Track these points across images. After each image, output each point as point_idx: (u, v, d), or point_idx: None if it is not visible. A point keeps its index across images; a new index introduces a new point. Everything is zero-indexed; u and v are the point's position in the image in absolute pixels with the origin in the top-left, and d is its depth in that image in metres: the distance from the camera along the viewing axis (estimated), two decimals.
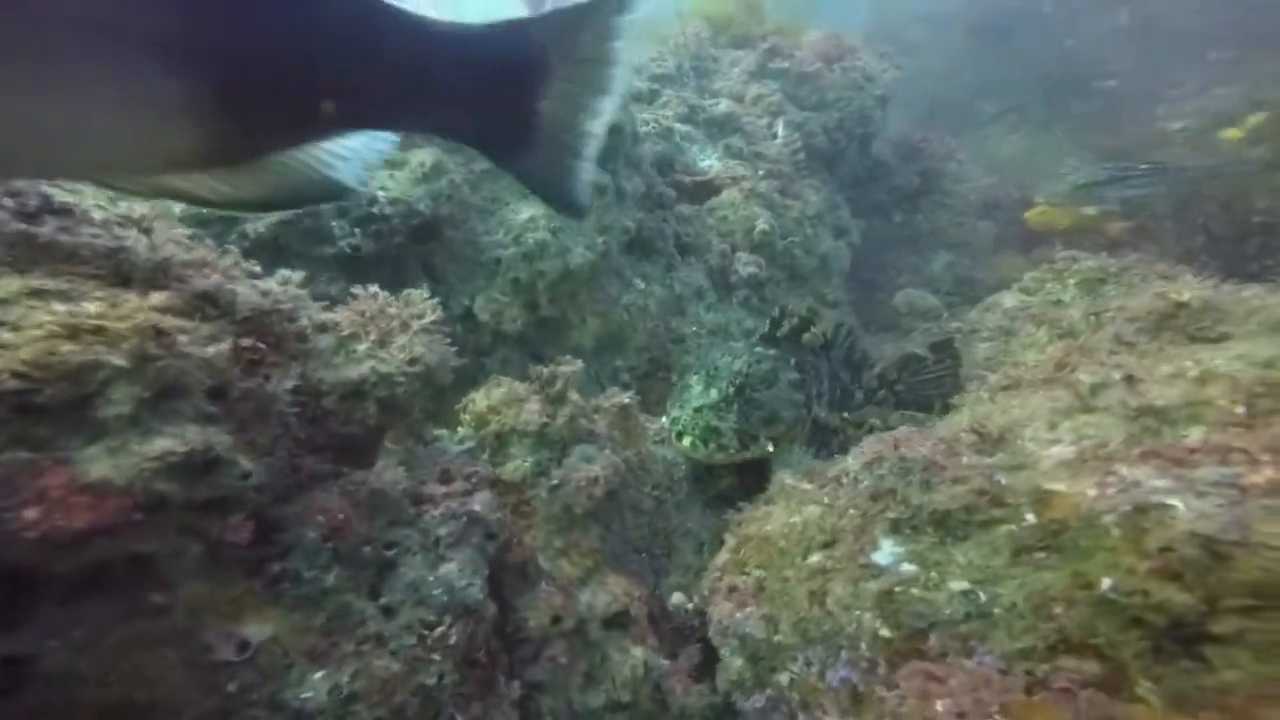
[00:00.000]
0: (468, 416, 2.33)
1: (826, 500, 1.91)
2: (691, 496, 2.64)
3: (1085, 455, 1.48)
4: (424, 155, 2.82)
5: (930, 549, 1.54)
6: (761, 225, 4.18)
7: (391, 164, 2.77)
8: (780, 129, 4.99)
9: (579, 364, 2.46)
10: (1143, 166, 6.17)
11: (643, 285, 3.55)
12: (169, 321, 1.25)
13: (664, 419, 2.71)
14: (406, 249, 2.77)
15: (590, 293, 3.24)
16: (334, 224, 2.57)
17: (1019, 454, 1.64)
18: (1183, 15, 11.24)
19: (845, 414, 2.80)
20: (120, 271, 1.33)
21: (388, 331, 1.89)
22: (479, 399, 2.34)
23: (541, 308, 3.05)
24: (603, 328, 3.27)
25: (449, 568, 1.98)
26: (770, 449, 2.48)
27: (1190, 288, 1.99)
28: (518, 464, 2.30)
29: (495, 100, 1.21)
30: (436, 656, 1.87)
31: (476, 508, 2.13)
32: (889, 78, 5.90)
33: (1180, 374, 1.57)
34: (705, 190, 4.39)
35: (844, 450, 2.73)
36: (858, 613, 1.62)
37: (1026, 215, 6.93)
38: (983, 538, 1.49)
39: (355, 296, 1.86)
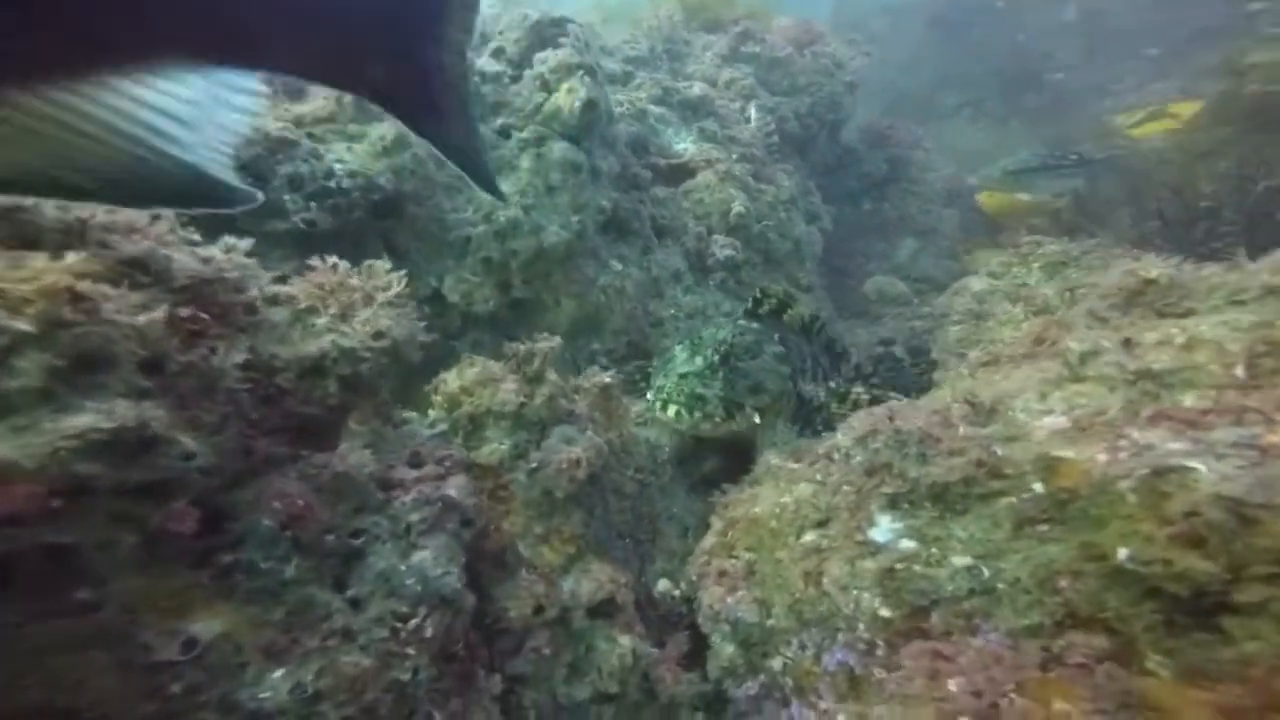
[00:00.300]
0: (439, 398, 2.18)
1: (819, 478, 1.82)
2: (676, 480, 2.53)
3: (1082, 423, 1.42)
4: (384, 128, 2.64)
5: (929, 524, 1.47)
6: (737, 208, 4.09)
7: (350, 136, 2.58)
8: (753, 112, 4.91)
9: (557, 340, 2.33)
10: (1072, 156, 6.38)
11: (620, 267, 3.43)
12: (87, 286, 1.08)
13: (649, 395, 2.58)
14: (367, 225, 2.59)
15: (565, 273, 3.11)
16: (286, 198, 2.38)
17: (1011, 425, 1.58)
18: (1123, 12, 11.62)
19: (831, 385, 2.73)
20: (22, 233, 1.16)
21: (349, 305, 1.73)
22: (451, 379, 2.19)
23: (514, 288, 2.90)
24: (578, 310, 3.14)
25: (422, 556, 1.83)
26: (757, 420, 2.39)
27: (1157, 266, 2.02)
28: (494, 447, 2.16)
29: (397, 43, 0.92)
30: (411, 650, 1.73)
31: (451, 493, 1.99)
32: (858, 64, 5.87)
33: (1167, 340, 1.53)
34: (680, 173, 4.28)
35: (830, 427, 2.67)
36: (855, 592, 1.54)
37: (977, 198, 7.15)
38: (983, 511, 1.42)
39: (311, 268, 1.70)
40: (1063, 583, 1.19)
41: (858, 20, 11.22)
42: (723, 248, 3.99)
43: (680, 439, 2.63)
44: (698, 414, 2.39)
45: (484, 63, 3.23)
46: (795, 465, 2.12)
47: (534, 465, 2.16)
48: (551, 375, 2.29)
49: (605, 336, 3.31)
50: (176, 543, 1.33)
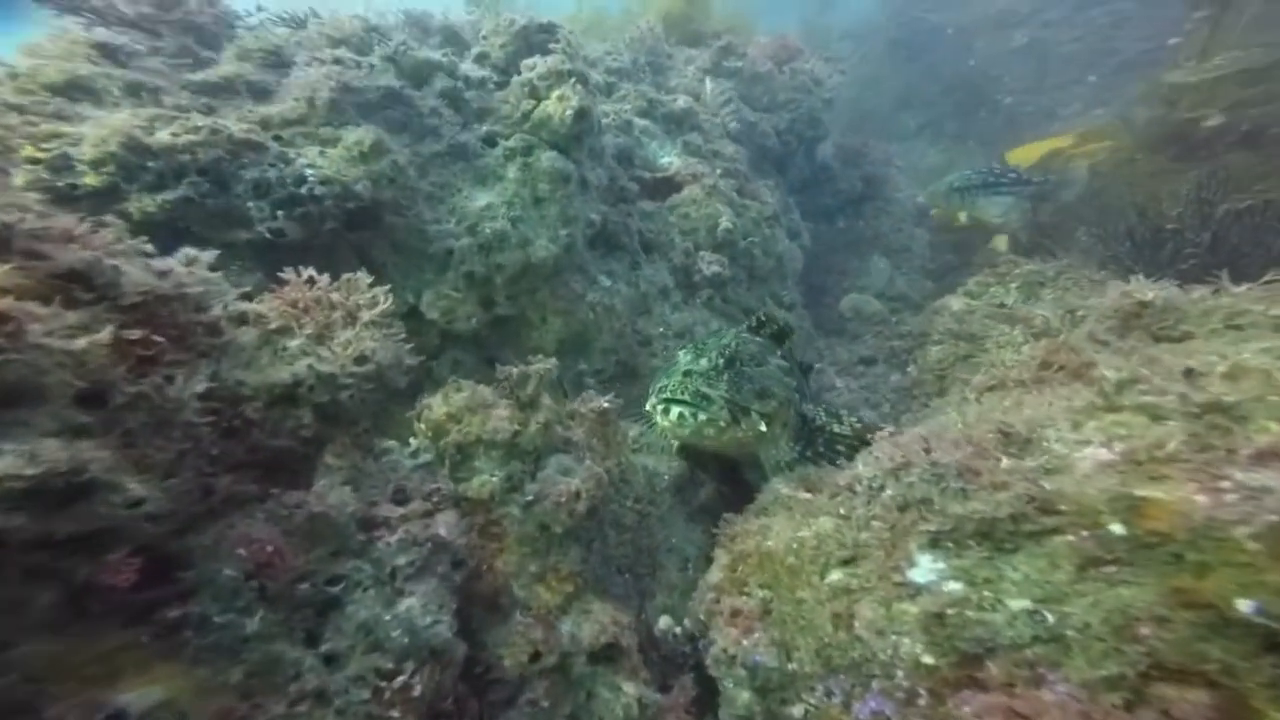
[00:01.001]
0: (423, 425, 1.97)
1: (842, 512, 1.68)
2: (674, 509, 2.36)
3: (1136, 456, 1.31)
4: (361, 133, 2.43)
5: (977, 564, 1.34)
6: (725, 223, 3.98)
7: (322, 140, 2.36)
8: (709, 85, 4.85)
9: (552, 363, 2.15)
10: (1010, 174, 6.59)
11: (608, 283, 3.27)
12: (9, 304, 0.87)
13: (648, 403, 2.39)
14: (339, 236, 2.37)
15: (553, 289, 2.93)
16: (251, 205, 2.14)
17: (1050, 456, 1.47)
18: (1065, 41, 12.18)
19: (826, 410, 2.61)
20: None
21: (328, 324, 1.52)
22: (436, 405, 1.98)
23: (498, 305, 2.70)
24: (565, 328, 2.96)
25: (409, 604, 1.62)
26: (763, 428, 2.24)
27: (1151, 288, 2.01)
28: (485, 479, 1.96)
29: None
30: (395, 713, 1.51)
31: (441, 531, 1.78)
32: (834, 81, 5.88)
33: (1207, 371, 1.45)
34: (666, 186, 4.15)
35: (831, 449, 2.54)
36: (894, 637, 1.39)
37: (932, 213, 7.32)
38: (1036, 550, 1.29)
39: (284, 282, 1.49)
40: (1144, 630, 1.07)
41: (822, 42, 11.44)
42: (710, 264, 3.87)
43: (680, 465, 2.47)
44: (703, 415, 2.20)
45: (467, 68, 3.05)
46: (808, 496, 1.98)
47: (529, 498, 1.97)
48: (547, 400, 2.11)
49: (594, 356, 3.14)
50: (109, 598, 1.10)
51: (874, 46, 12.64)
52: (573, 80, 3.01)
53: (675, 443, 2.46)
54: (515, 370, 2.07)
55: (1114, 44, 11.63)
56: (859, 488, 1.68)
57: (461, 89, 2.88)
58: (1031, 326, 2.56)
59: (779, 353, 2.62)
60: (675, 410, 2.25)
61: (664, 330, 3.46)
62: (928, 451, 1.50)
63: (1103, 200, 6.38)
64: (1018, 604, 1.22)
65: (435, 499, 1.80)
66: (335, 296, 1.52)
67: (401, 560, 1.60)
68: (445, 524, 1.75)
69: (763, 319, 2.78)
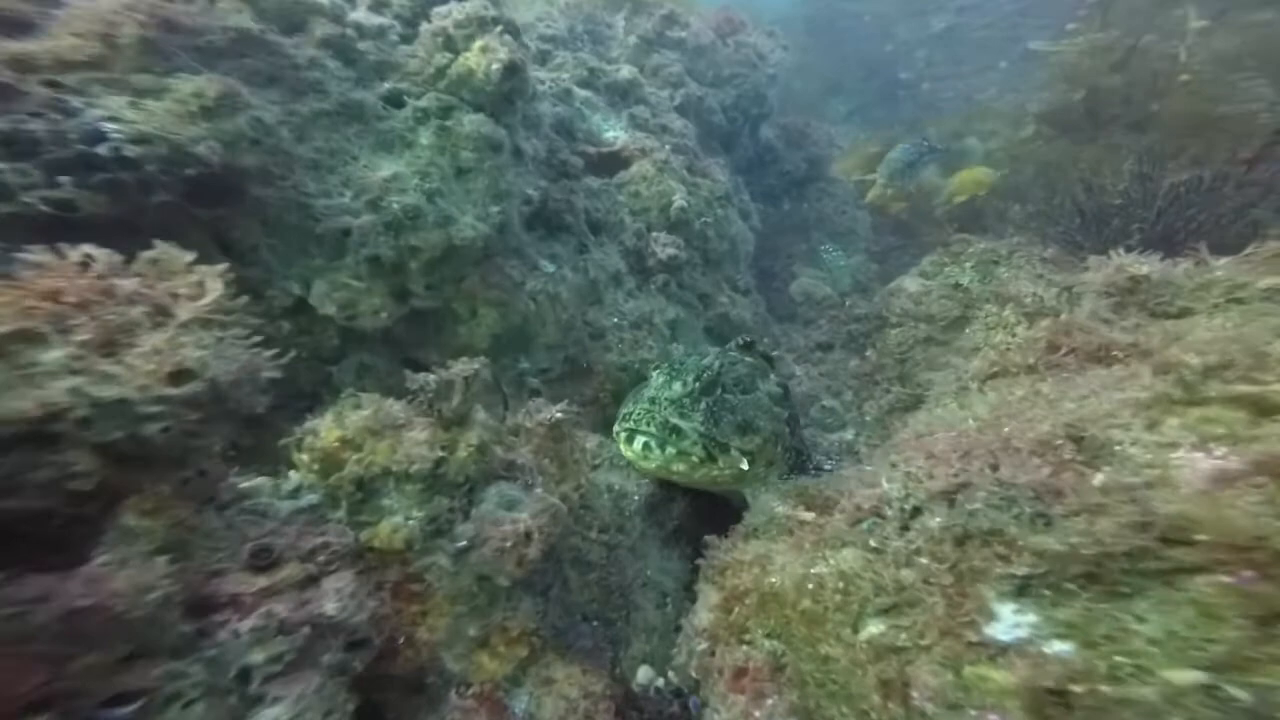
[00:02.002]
0: (305, 456, 1.43)
1: (872, 544, 1.25)
2: (647, 535, 1.90)
3: (1270, 467, 0.94)
4: (202, 83, 1.76)
5: (1088, 617, 0.94)
6: (679, 201, 3.53)
7: (136, 90, 1.68)
8: (620, 21, 4.43)
9: (480, 364, 1.63)
10: (939, 146, 6.51)
11: (552, 268, 2.75)
12: None
13: (615, 427, 1.92)
14: (181, 213, 1.75)
15: (484, 276, 2.39)
16: (2, 167, 1.48)
17: (1130, 464, 1.09)
18: (979, 28, 12.42)
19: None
20: None
21: (122, 326, 0.97)
22: (325, 429, 1.44)
23: (416, 296, 2.15)
24: (501, 322, 2.43)
25: (271, 716, 1.09)
26: (744, 466, 1.81)
27: (1144, 262, 1.85)
28: (397, 522, 1.43)
29: None
30: None
31: (327, 608, 1.26)
32: (778, 57, 5.52)
33: None
34: (612, 162, 3.66)
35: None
36: (976, 714, 0.98)
37: (868, 198, 7.14)
38: (1172, 595, 0.90)
39: (33, 264, 0.92)
40: None
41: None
42: (665, 246, 3.41)
43: (654, 485, 2.00)
44: (670, 450, 1.78)
45: (360, 16, 2.45)
46: (811, 517, 1.55)
47: (461, 544, 1.46)
48: (480, 414, 1.59)
49: (537, 353, 2.63)
50: None
51: (795, 32, 12.55)
52: (498, 29, 2.47)
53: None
54: (434, 377, 1.54)
55: (1020, 31, 11.91)
56: (889, 511, 1.27)
57: (353, 38, 2.28)
58: (1023, 306, 2.24)
59: (771, 378, 2.18)
60: (639, 441, 1.79)
61: (618, 321, 2.99)
62: (995, 468, 1.09)
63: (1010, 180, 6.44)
64: (1180, 675, 0.83)
65: (321, 558, 1.27)
66: (130, 285, 0.96)
67: (259, 656, 1.06)
68: (335, 593, 1.22)
69: (746, 341, 2.33)
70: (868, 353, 4.38)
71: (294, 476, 1.43)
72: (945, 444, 1.28)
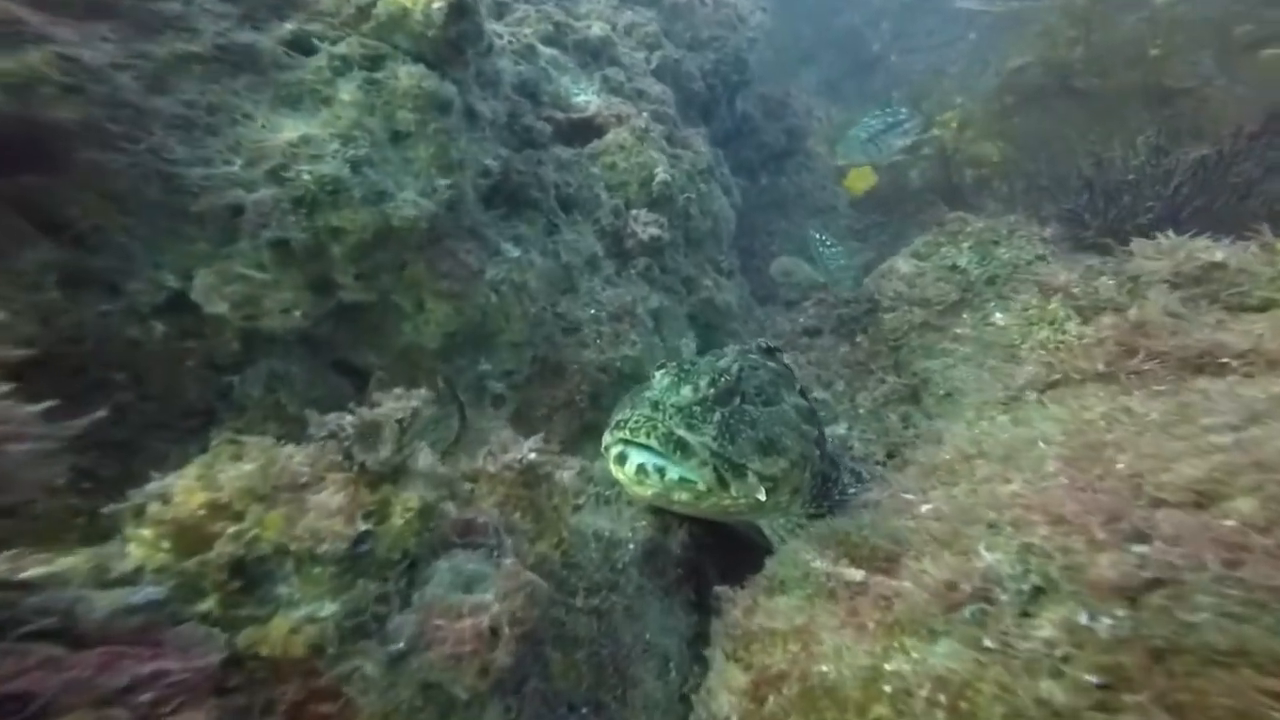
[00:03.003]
0: (149, 531, 0.96)
1: (987, 643, 0.86)
2: (644, 589, 1.48)
3: None
4: None
5: None
6: (661, 175, 3.05)
7: None
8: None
9: (419, 401, 1.16)
10: (903, 112, 5.90)
11: (517, 252, 2.27)
12: None
13: (605, 438, 1.51)
14: None
15: (432, 263, 1.90)
16: None
17: None
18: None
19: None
20: None
21: None
22: (183, 491, 0.97)
23: (344, 288, 1.65)
24: (456, 317, 1.95)
25: None
26: (761, 497, 1.40)
27: (1218, 247, 1.59)
28: (299, 618, 0.99)
29: None
30: None
31: None
32: (758, 20, 5.00)
33: None
34: (585, 130, 3.15)
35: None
36: None
37: (844, 183, 6.56)
38: None
39: None
40: None
41: None
42: (646, 225, 2.94)
43: (650, 523, 1.58)
44: (673, 473, 1.37)
45: None
46: (861, 577, 1.16)
47: (397, 646, 1.02)
48: (422, 462, 1.14)
49: (501, 353, 2.16)
50: None
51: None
52: None
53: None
54: (352, 419, 1.08)
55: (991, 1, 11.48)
56: (1003, 596, 0.87)
57: None
58: (1073, 298, 1.87)
59: (797, 387, 1.75)
60: (635, 460, 1.36)
61: (596, 312, 2.53)
62: (1176, 543, 0.70)
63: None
64: None
65: (148, 695, 0.81)
66: None
67: None
68: None
69: (769, 346, 1.90)
70: (858, 339, 4.02)
71: (131, 556, 0.96)
72: (1072, 501, 0.89)
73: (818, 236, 4.69)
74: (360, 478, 1.06)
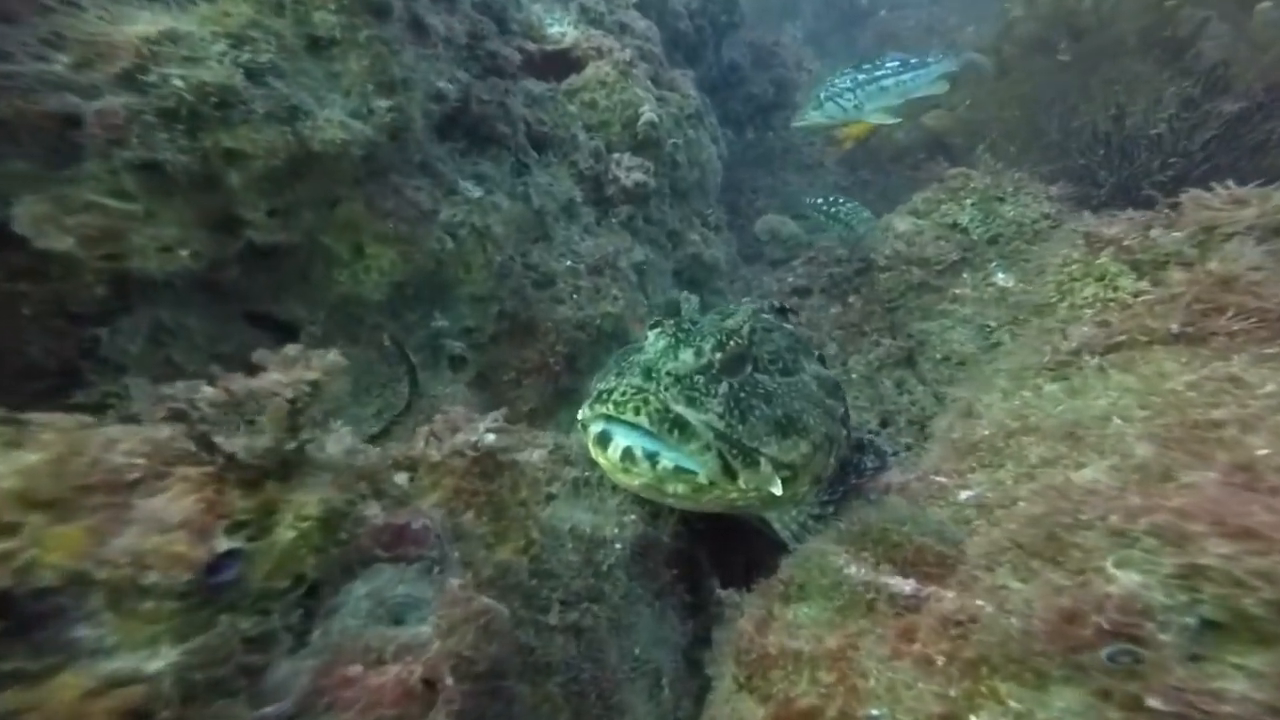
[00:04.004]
0: None
1: (1152, 702, 0.58)
2: (632, 596, 1.17)
3: None
4: None
5: None
6: (648, 114, 2.65)
7: None
8: None
9: (333, 365, 0.83)
10: (890, 62, 5.16)
11: (479, 193, 1.89)
12: None
13: (580, 412, 1.18)
14: None
15: (371, 200, 1.53)
16: None
17: None
18: None
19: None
20: None
21: None
22: None
23: (255, 227, 1.27)
24: (403, 264, 1.59)
25: None
26: (775, 489, 1.10)
27: None
28: (108, 673, 0.68)
29: None
30: None
31: None
32: None
33: None
34: (560, 64, 2.71)
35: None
36: None
37: (841, 137, 5.96)
38: None
39: None
40: None
41: None
42: (630, 170, 2.56)
43: (639, 517, 1.27)
44: (668, 460, 1.07)
45: None
46: (911, 588, 0.88)
47: (281, 709, 0.72)
48: (331, 449, 0.82)
49: (459, 306, 1.81)
50: None
51: None
52: None
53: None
54: (213, 391, 0.74)
55: None
56: (1161, 635, 0.59)
57: None
58: (1128, 252, 1.56)
59: (816, 354, 1.44)
60: (620, 442, 1.05)
61: (573, 264, 2.17)
62: None
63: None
64: None
65: None
66: None
67: None
68: None
69: (781, 306, 1.57)
70: (851, 299, 3.72)
71: None
72: (1260, 508, 0.61)
73: (828, 199, 4.23)
74: (226, 475, 0.74)
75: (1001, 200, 3.48)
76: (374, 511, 0.82)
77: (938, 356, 3.06)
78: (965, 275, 3.22)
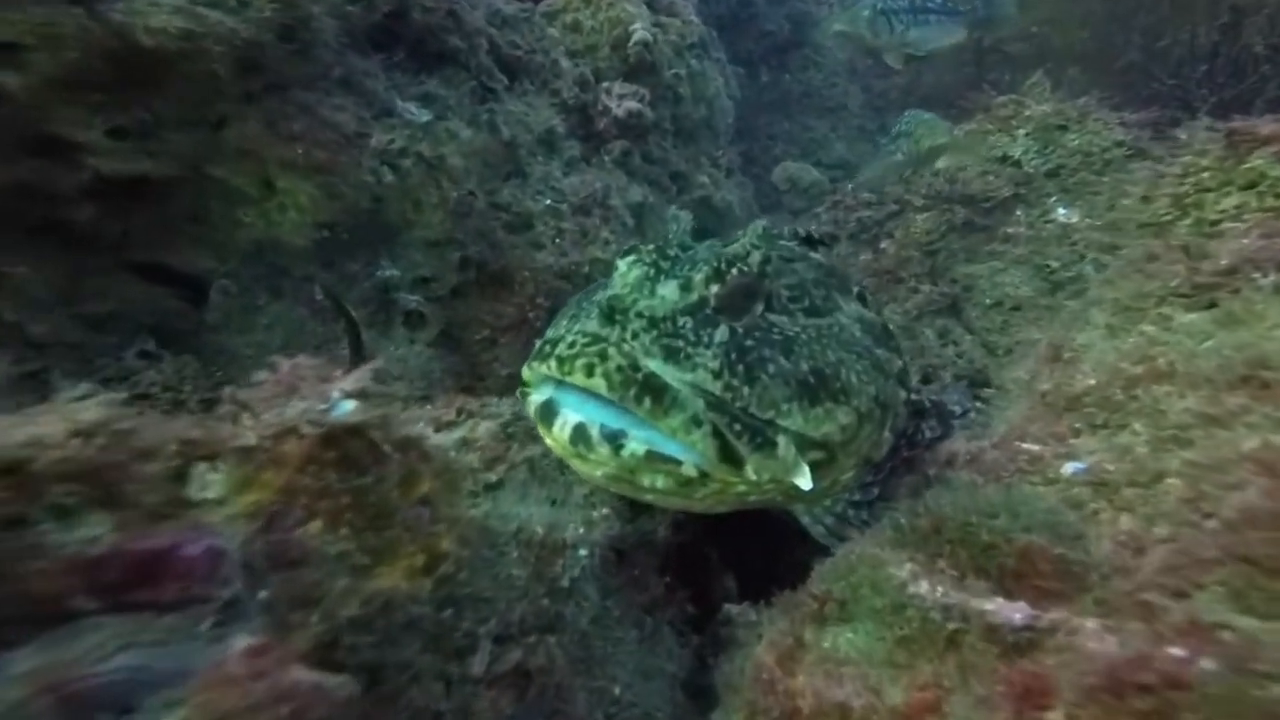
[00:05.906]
0: None
1: None
2: (609, 617, 0.81)
3: None
4: None
5: None
6: (640, 32, 2.18)
7: None
8: None
9: None
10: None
11: (425, 117, 1.50)
12: None
13: (524, 375, 0.80)
14: None
15: (272, 123, 1.17)
16: None
17: None
18: None
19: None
20: None
21: None
22: None
23: (93, 151, 0.93)
24: (329, 201, 1.23)
25: None
26: (802, 481, 0.70)
27: None
28: None
29: None
30: None
31: None
32: None
33: None
34: None
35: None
36: None
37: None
38: None
39: None
40: None
41: None
42: (622, 99, 2.12)
43: (616, 510, 0.90)
44: (637, 443, 0.69)
45: None
46: (1021, 617, 0.53)
47: None
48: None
49: (410, 252, 1.44)
50: None
51: None
52: None
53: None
54: None
55: None
56: None
57: None
58: (1224, 173, 1.08)
59: (855, 291, 1.01)
60: (570, 416, 0.67)
61: (553, 203, 1.77)
62: None
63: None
64: None
65: None
66: None
67: None
68: None
69: (810, 232, 1.15)
70: (883, 244, 3.23)
71: None
72: None
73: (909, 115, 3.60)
74: None
75: (1064, 128, 2.90)
76: (93, 531, 0.47)
77: (987, 302, 2.57)
78: (1019, 212, 2.71)
